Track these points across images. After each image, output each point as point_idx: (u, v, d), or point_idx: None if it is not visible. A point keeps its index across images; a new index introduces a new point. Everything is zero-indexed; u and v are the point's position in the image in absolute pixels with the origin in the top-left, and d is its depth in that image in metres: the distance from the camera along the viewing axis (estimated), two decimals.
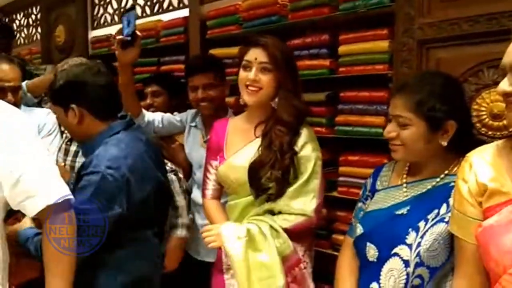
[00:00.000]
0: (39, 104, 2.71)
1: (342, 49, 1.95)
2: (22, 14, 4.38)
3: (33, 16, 4.22)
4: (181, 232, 1.99)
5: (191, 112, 2.22)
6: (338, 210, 2.03)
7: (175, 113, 2.28)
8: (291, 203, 1.51)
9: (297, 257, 1.54)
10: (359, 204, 1.49)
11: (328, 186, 2.02)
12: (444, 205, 1.23)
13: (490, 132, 1.44)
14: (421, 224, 1.24)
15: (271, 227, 1.49)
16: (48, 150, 2.04)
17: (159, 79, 2.51)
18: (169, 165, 2.01)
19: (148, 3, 3.00)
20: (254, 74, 1.53)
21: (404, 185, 1.36)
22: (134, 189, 1.42)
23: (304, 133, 1.57)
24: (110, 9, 3.35)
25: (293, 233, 1.51)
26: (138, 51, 1.84)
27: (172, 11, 2.84)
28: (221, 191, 1.72)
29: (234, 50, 2.21)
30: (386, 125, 1.37)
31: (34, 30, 4.25)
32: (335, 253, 1.72)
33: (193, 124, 2.17)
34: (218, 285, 1.58)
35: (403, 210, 1.30)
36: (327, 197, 1.99)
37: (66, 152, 2.06)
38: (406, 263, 1.24)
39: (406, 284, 1.24)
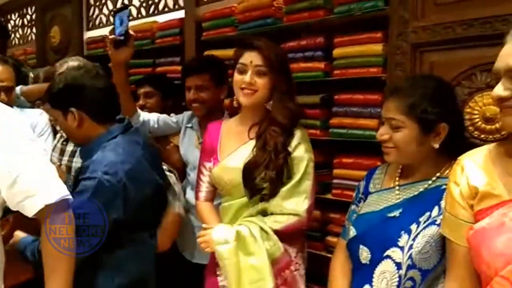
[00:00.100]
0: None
1: (336, 52, 1.95)
2: (17, 14, 4.37)
3: (28, 17, 4.20)
4: (178, 209, 1.96)
5: (187, 113, 2.22)
6: (332, 212, 2.03)
7: (171, 114, 2.29)
8: (284, 203, 1.52)
9: (287, 259, 1.54)
10: (352, 207, 1.49)
11: (322, 188, 2.04)
12: (436, 208, 1.24)
13: (482, 136, 1.45)
14: (413, 226, 1.25)
15: (261, 228, 1.50)
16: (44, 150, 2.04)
17: (151, 80, 2.51)
18: (164, 167, 2.00)
19: (144, 5, 3.00)
20: (250, 77, 1.54)
21: (397, 187, 1.36)
22: (132, 193, 1.43)
23: (298, 135, 1.57)
24: (105, 10, 3.35)
25: (284, 234, 1.52)
26: (131, 50, 1.83)
27: (168, 12, 2.85)
28: (215, 193, 1.72)
29: (229, 52, 2.21)
30: (379, 128, 1.37)
31: (29, 31, 4.23)
32: (329, 255, 1.72)
33: (189, 125, 2.18)
34: (212, 287, 1.58)
35: (396, 213, 1.30)
36: (321, 199, 2.01)
37: (62, 152, 2.06)
38: (398, 265, 1.25)
39: (398, 286, 1.25)
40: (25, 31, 4.29)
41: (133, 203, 1.43)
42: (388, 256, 1.26)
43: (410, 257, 1.23)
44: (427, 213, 1.25)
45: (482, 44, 1.45)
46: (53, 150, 2.11)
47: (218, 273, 1.55)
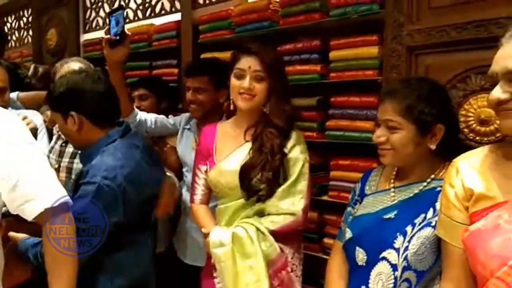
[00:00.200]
0: None
1: (332, 54, 1.96)
2: (13, 16, 4.35)
3: (25, 19, 4.19)
4: (172, 180, 1.95)
5: (185, 115, 2.24)
6: (329, 214, 2.04)
7: (170, 115, 2.30)
8: (280, 203, 1.53)
9: (284, 260, 1.55)
10: (348, 209, 1.50)
11: (319, 190, 2.04)
12: (431, 210, 1.25)
13: (477, 138, 1.46)
14: (409, 228, 1.25)
15: (258, 229, 1.50)
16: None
17: (146, 82, 2.52)
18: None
19: (141, 7, 3.00)
20: (249, 82, 1.54)
21: (392, 189, 1.37)
22: (131, 196, 1.43)
23: (293, 136, 1.59)
24: (102, 13, 3.35)
25: (281, 235, 1.53)
26: (126, 50, 1.83)
27: (165, 15, 2.84)
28: (210, 196, 1.72)
29: (226, 55, 2.21)
30: (375, 130, 1.38)
31: (25, 33, 4.22)
32: (326, 257, 1.73)
33: (187, 126, 2.19)
34: None
35: (391, 215, 1.31)
36: (318, 201, 2.01)
37: (61, 154, 2.06)
38: (394, 267, 1.25)
39: (394, 287, 1.25)
40: (21, 33, 4.27)
41: (133, 205, 1.44)
42: (384, 258, 1.27)
43: (405, 258, 1.24)
44: (422, 215, 1.25)
45: (477, 47, 1.46)
46: (50, 152, 2.11)
47: (214, 275, 1.55)
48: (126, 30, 1.80)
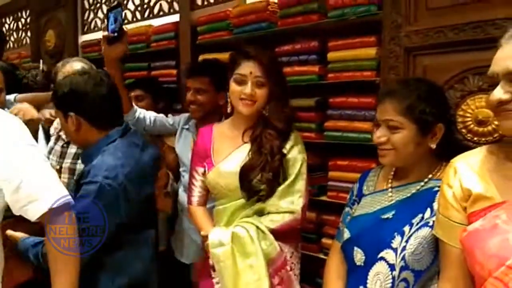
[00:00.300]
0: None
1: (331, 55, 1.97)
2: (11, 18, 4.36)
3: (23, 20, 4.19)
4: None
5: (184, 115, 2.24)
6: (327, 214, 2.05)
7: (168, 115, 2.30)
8: (279, 202, 1.53)
9: (283, 258, 1.55)
10: (346, 209, 1.50)
11: (317, 190, 2.05)
12: (428, 210, 1.25)
13: (475, 138, 1.47)
14: (406, 228, 1.26)
15: (258, 228, 1.51)
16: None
17: (142, 83, 2.53)
18: None
19: (139, 8, 3.00)
20: (251, 89, 1.54)
21: (390, 189, 1.38)
22: (132, 195, 1.44)
23: (292, 137, 1.60)
24: (100, 14, 3.35)
25: (280, 233, 1.53)
26: (124, 47, 1.83)
27: (163, 16, 2.85)
28: (207, 197, 1.72)
29: (224, 56, 2.22)
30: (374, 130, 1.38)
31: (23, 34, 4.22)
32: (324, 257, 1.74)
33: (186, 126, 2.20)
34: None
35: (389, 215, 1.31)
36: (316, 201, 2.02)
37: (63, 155, 2.05)
38: (392, 267, 1.26)
39: (392, 287, 1.26)
40: (20, 34, 4.28)
41: (133, 204, 1.45)
42: (382, 258, 1.27)
43: (403, 258, 1.24)
44: (420, 215, 1.26)
45: (474, 48, 1.47)
46: (50, 153, 2.11)
47: (213, 275, 1.55)
48: (124, 27, 1.80)
